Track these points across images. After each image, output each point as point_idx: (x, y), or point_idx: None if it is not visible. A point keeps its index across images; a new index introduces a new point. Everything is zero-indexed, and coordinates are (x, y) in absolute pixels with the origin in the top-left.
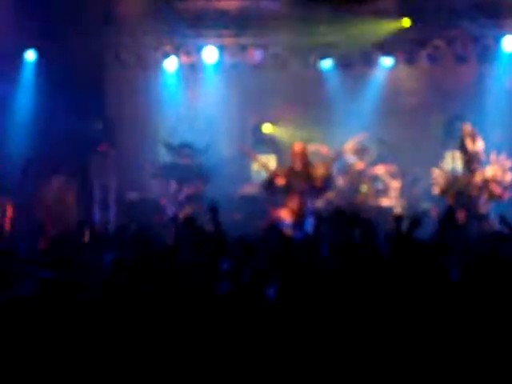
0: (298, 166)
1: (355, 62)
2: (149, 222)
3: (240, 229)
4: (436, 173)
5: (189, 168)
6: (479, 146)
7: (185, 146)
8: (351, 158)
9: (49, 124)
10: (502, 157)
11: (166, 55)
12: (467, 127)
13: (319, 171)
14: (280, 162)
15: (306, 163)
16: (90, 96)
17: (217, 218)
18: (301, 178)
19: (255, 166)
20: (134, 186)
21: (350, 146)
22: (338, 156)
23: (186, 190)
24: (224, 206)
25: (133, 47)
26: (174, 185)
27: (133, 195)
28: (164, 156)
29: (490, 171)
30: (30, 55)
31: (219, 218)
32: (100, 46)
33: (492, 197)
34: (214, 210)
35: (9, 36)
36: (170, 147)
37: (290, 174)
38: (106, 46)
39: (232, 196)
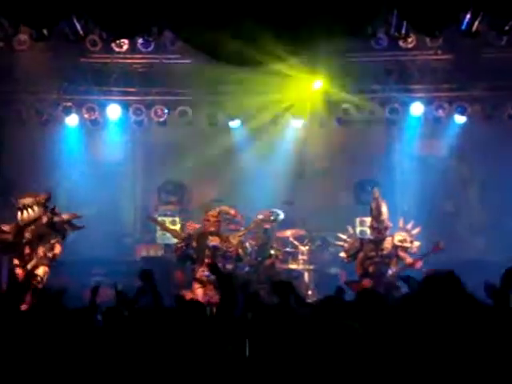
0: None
1: (265, 123)
2: None
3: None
4: (342, 238)
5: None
6: (384, 211)
7: None
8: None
9: None
10: (410, 224)
11: (68, 111)
12: (376, 192)
13: (234, 241)
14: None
15: (220, 231)
16: None
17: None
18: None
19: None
20: None
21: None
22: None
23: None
24: (125, 268)
25: (32, 103)
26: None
27: None
28: None
29: (398, 238)
30: None
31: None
32: None
33: (405, 266)
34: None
35: None
36: None
37: (201, 238)
38: (4, 101)
39: (134, 258)
